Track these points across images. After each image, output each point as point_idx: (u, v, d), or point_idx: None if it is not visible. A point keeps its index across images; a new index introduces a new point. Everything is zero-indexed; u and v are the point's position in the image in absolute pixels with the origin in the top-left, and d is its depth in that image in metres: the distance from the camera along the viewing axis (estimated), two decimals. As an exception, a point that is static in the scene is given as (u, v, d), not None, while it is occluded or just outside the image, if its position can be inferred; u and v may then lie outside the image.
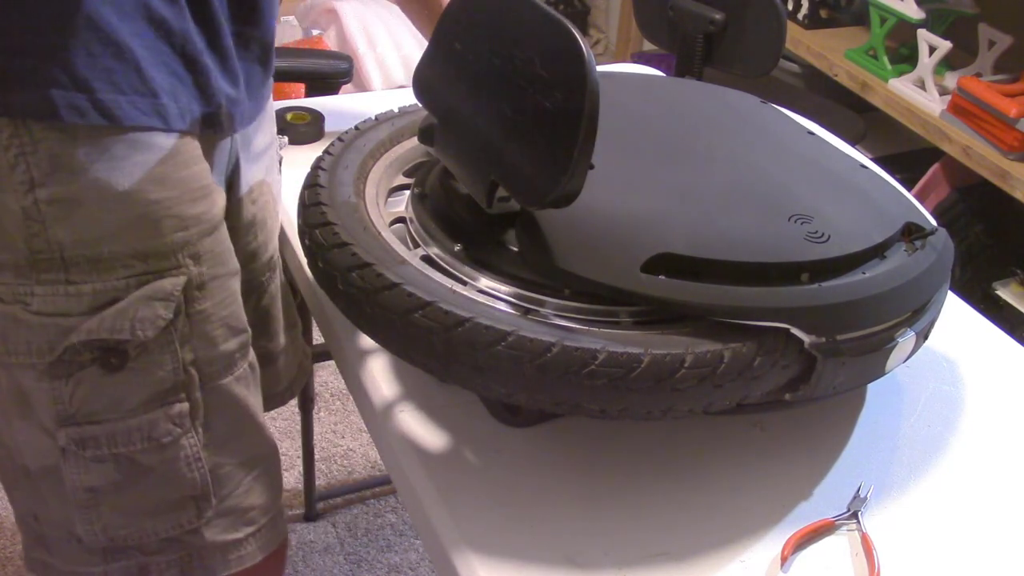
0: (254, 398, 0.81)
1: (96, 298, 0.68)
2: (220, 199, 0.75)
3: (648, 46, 2.72)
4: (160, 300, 0.70)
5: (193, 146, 0.71)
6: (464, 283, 0.69)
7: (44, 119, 0.63)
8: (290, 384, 1.03)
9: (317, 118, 1.15)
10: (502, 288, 0.69)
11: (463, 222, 0.74)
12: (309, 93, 1.51)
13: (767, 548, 0.68)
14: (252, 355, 0.80)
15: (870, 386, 0.83)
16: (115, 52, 0.64)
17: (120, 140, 0.66)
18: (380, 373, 0.79)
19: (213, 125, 0.73)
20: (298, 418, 1.62)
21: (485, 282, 0.70)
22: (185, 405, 0.74)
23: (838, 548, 0.69)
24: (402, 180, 0.86)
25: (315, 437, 1.68)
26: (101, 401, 0.71)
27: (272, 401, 1.00)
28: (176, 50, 0.68)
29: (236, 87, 0.75)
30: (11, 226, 0.66)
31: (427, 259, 0.72)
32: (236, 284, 0.77)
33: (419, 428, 0.75)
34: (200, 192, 0.72)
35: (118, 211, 0.67)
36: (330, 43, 2.39)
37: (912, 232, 0.79)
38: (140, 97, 0.66)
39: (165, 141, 0.68)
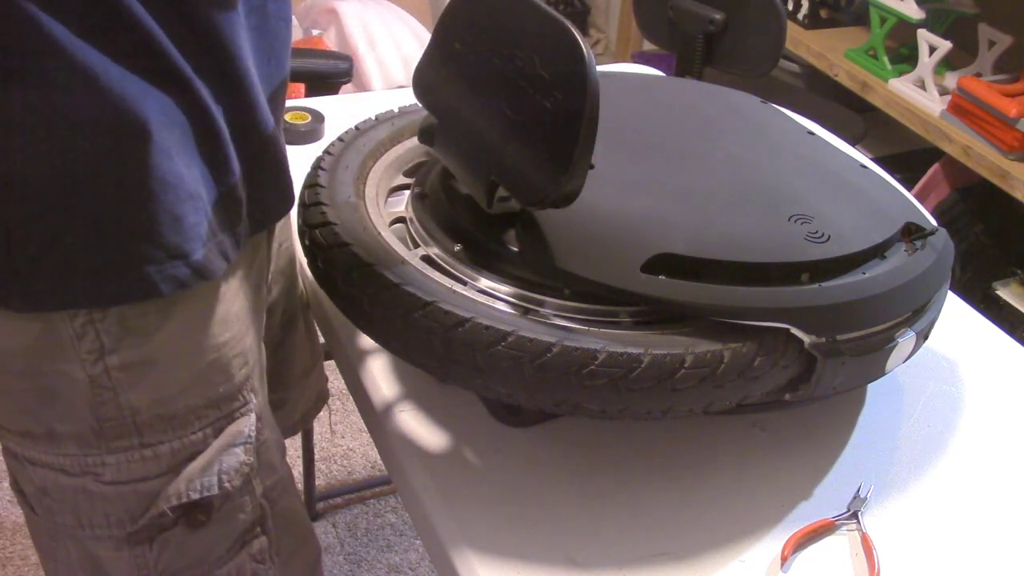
0: (300, 502, 0.78)
1: (175, 456, 0.63)
2: (264, 306, 0.70)
3: (648, 46, 2.72)
4: (240, 445, 0.66)
5: (244, 263, 0.66)
6: (464, 283, 0.69)
7: (140, 301, 0.58)
8: (304, 416, 0.99)
9: (317, 118, 1.15)
10: (502, 288, 0.69)
11: (463, 222, 0.74)
12: (309, 93, 1.51)
13: (767, 548, 0.68)
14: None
15: (870, 386, 0.83)
16: (192, 203, 0.58)
17: (193, 291, 0.60)
18: (380, 373, 0.79)
19: (259, 227, 0.67)
20: (298, 418, 1.62)
21: (485, 282, 0.70)
22: (263, 539, 0.71)
23: (838, 548, 0.69)
24: (402, 180, 0.86)
25: (315, 437, 1.68)
26: (188, 558, 0.67)
27: (283, 433, 0.95)
28: (222, 165, 0.61)
29: (272, 172, 0.67)
30: (74, 396, 0.60)
31: (427, 259, 0.72)
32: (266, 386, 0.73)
33: (419, 428, 0.75)
34: (254, 313, 0.67)
35: (193, 363, 0.62)
36: (330, 43, 2.38)
37: (912, 232, 0.79)
38: (212, 241, 0.60)
39: (225, 274, 0.63)
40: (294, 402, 0.97)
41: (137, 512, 0.64)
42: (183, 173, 0.57)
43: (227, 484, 0.66)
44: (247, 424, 0.67)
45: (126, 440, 0.62)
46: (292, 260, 0.87)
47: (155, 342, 0.60)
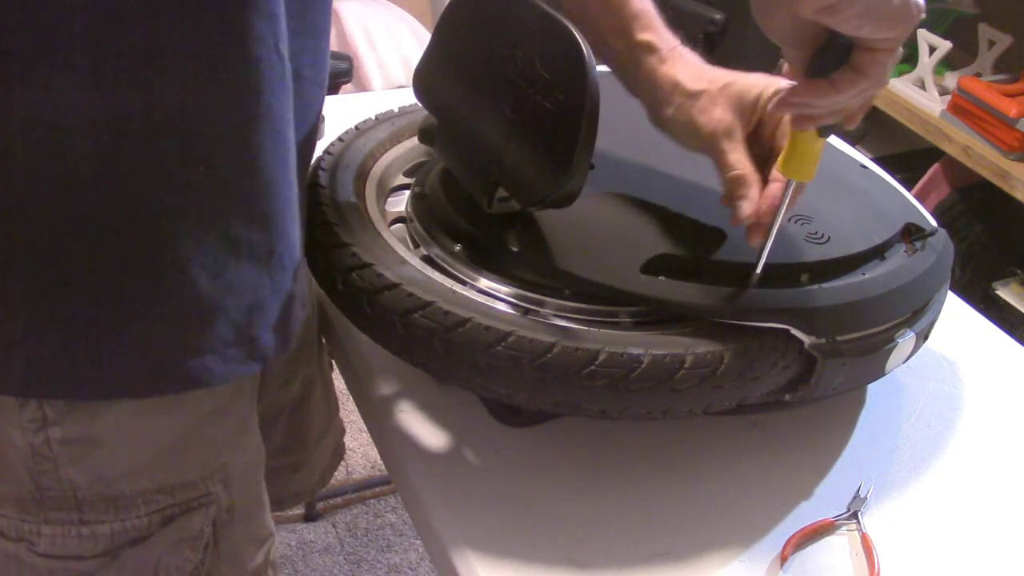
0: None
1: (114, 539, 0.59)
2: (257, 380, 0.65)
3: (648, 46, 2.72)
4: (188, 540, 0.61)
5: None
6: (464, 283, 0.69)
7: (109, 398, 0.55)
8: (322, 476, 0.95)
9: (317, 118, 1.15)
10: (502, 288, 0.69)
11: (463, 222, 0.74)
12: (309, 93, 1.51)
13: (767, 548, 0.68)
14: (274, 552, 0.71)
15: (870, 386, 0.83)
16: (203, 313, 0.55)
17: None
18: (380, 373, 0.79)
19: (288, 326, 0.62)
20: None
21: (485, 282, 0.70)
22: None
23: (838, 548, 0.69)
24: (402, 180, 0.86)
25: (315, 437, 1.68)
26: None
27: (301, 496, 0.92)
28: (267, 246, 0.57)
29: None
30: (15, 460, 0.56)
31: (427, 259, 0.72)
32: (261, 476, 0.68)
33: (419, 428, 0.75)
34: (246, 391, 0.63)
35: (144, 446, 0.58)
36: (330, 43, 2.39)
37: (912, 233, 0.79)
38: (234, 349, 0.57)
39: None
40: (312, 464, 0.93)
41: None
42: (206, 279, 0.54)
43: None
44: (203, 518, 0.61)
45: (64, 513, 0.58)
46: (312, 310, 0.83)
47: (101, 420, 0.56)
